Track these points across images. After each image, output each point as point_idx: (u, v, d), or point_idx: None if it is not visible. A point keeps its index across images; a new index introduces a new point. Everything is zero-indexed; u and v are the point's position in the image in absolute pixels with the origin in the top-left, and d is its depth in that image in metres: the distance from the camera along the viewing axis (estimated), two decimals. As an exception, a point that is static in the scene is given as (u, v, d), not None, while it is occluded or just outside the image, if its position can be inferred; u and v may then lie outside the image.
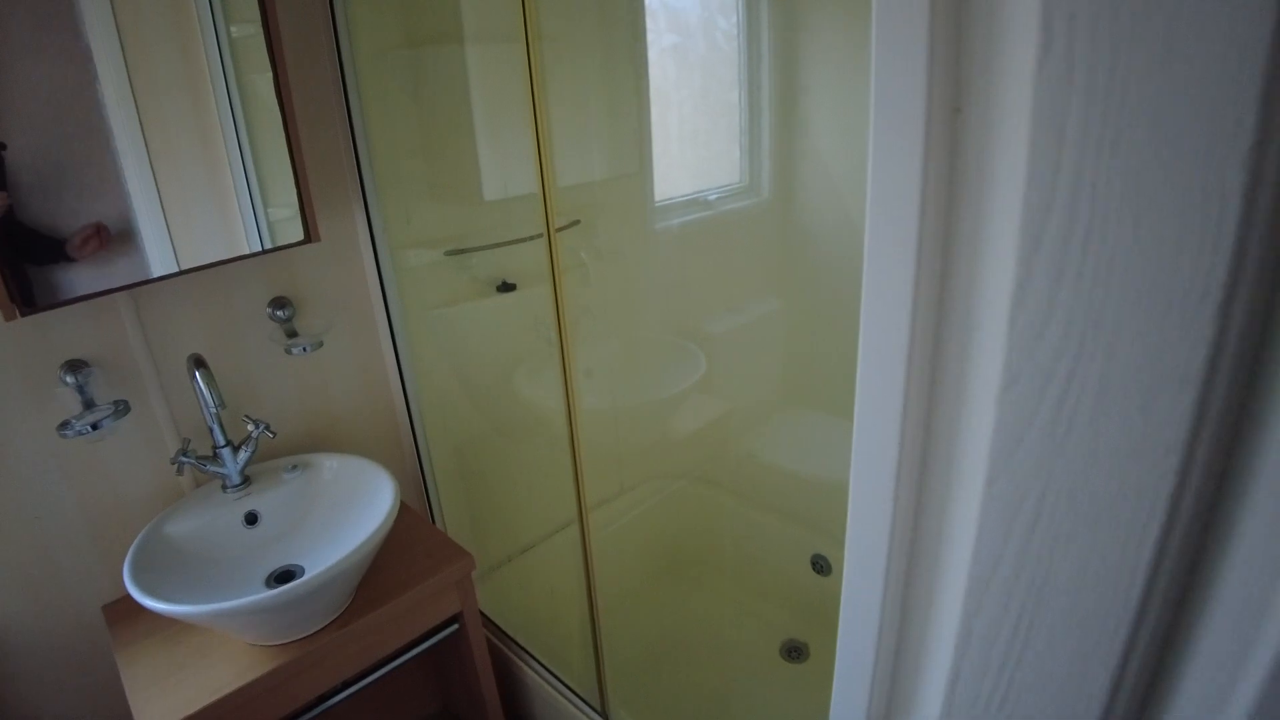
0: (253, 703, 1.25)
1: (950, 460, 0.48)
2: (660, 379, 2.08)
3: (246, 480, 1.43)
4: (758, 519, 2.09)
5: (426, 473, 1.76)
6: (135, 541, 1.30)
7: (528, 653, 1.64)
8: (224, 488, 1.42)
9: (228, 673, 1.23)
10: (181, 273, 1.32)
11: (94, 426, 1.31)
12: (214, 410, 1.33)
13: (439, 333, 1.74)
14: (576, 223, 1.81)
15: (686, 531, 2.21)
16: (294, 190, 1.38)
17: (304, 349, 1.48)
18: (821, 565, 2.02)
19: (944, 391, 0.46)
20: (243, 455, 1.42)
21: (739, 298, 2.20)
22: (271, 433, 1.42)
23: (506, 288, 1.78)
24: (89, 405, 1.32)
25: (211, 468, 1.40)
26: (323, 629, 1.29)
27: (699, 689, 1.85)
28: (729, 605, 2.07)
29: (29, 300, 1.18)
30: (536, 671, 1.62)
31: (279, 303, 1.49)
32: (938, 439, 0.48)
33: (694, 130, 2.09)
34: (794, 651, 1.92)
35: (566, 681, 1.56)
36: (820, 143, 2.09)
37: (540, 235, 1.35)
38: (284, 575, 1.35)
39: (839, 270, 2.05)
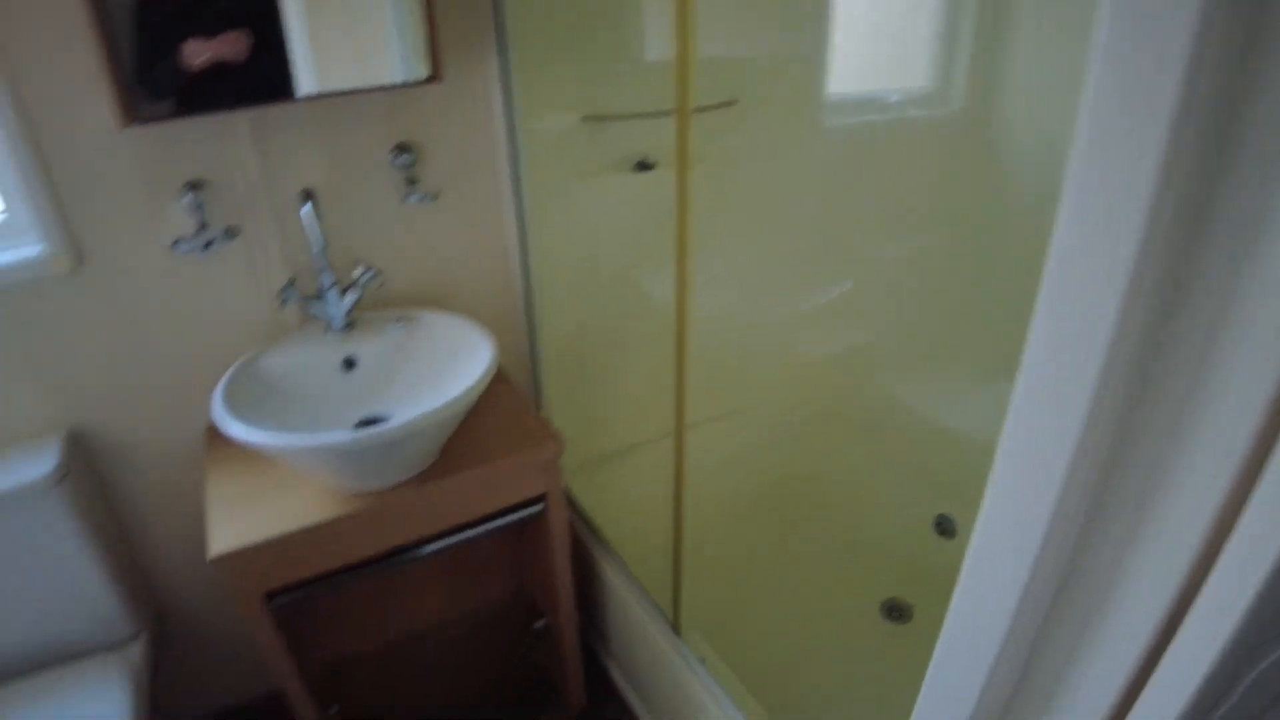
0: (322, 544, 1.23)
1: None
2: (797, 296, 1.90)
3: (349, 325, 1.39)
4: (882, 467, 1.90)
5: (534, 352, 1.68)
6: (231, 369, 1.29)
7: (609, 550, 1.56)
8: (326, 330, 1.39)
9: (302, 511, 1.21)
10: (308, 98, 1.25)
11: (206, 246, 1.30)
12: (320, 247, 1.28)
13: (565, 206, 1.63)
14: (731, 103, 1.63)
15: (798, 466, 2.04)
16: (422, 19, 1.28)
17: (422, 198, 1.41)
18: (946, 526, 1.82)
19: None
20: (348, 299, 1.37)
21: (905, 221, 1.95)
22: (379, 281, 1.37)
23: (644, 167, 1.64)
24: (202, 226, 1.30)
25: (316, 308, 1.37)
26: (402, 484, 1.25)
27: (782, 631, 1.72)
28: (830, 551, 1.91)
29: (147, 109, 1.15)
30: (615, 571, 1.54)
31: (401, 148, 1.42)
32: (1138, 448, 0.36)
33: (883, 18, 1.83)
34: (895, 611, 1.75)
35: (644, 589, 1.47)
36: (1032, 52, 1.78)
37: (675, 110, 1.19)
38: (371, 424, 1.30)
39: (1030, 209, 1.77)
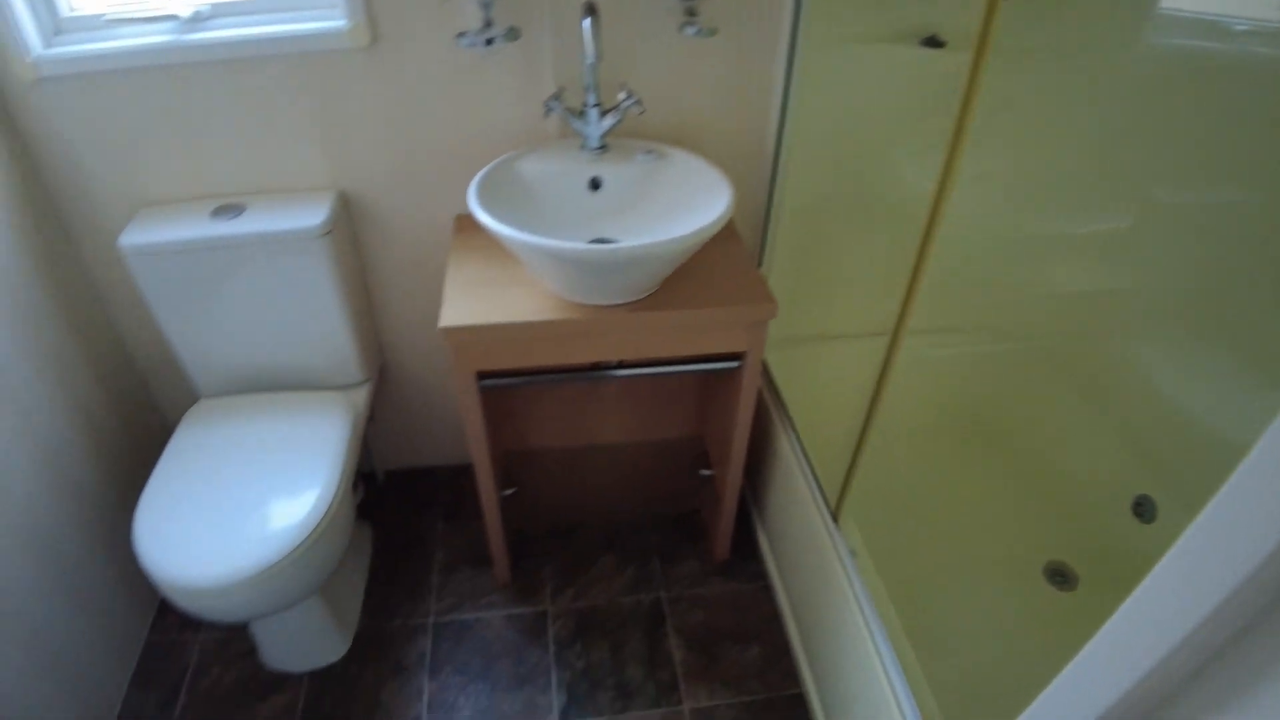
0: (535, 342, 1.32)
1: None
2: (1063, 220, 1.73)
3: (603, 147, 1.43)
4: (1091, 427, 1.75)
5: (768, 213, 1.65)
6: (490, 164, 1.37)
7: (790, 425, 1.58)
8: (581, 147, 1.43)
9: (524, 309, 1.30)
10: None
11: (488, 43, 1.35)
12: (593, 63, 1.30)
13: (837, 70, 1.55)
14: (1049, -10, 1.45)
15: (1000, 401, 1.93)
16: None
17: (698, 32, 1.38)
18: (1145, 509, 1.67)
19: None
20: (607, 121, 1.40)
21: (1211, 170, 1.70)
22: (640, 109, 1.38)
23: (933, 43, 1.52)
24: (488, 24, 1.35)
25: (576, 123, 1.41)
26: (617, 306, 1.30)
27: (936, 560, 1.69)
28: (1008, 498, 1.82)
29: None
30: (790, 445, 1.55)
31: (689, -24, 1.39)
32: None
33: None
34: (1059, 576, 1.66)
35: (815, 471, 1.48)
36: None
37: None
38: (604, 243, 1.36)
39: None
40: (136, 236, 1.41)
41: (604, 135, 1.42)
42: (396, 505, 2.00)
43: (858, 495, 1.39)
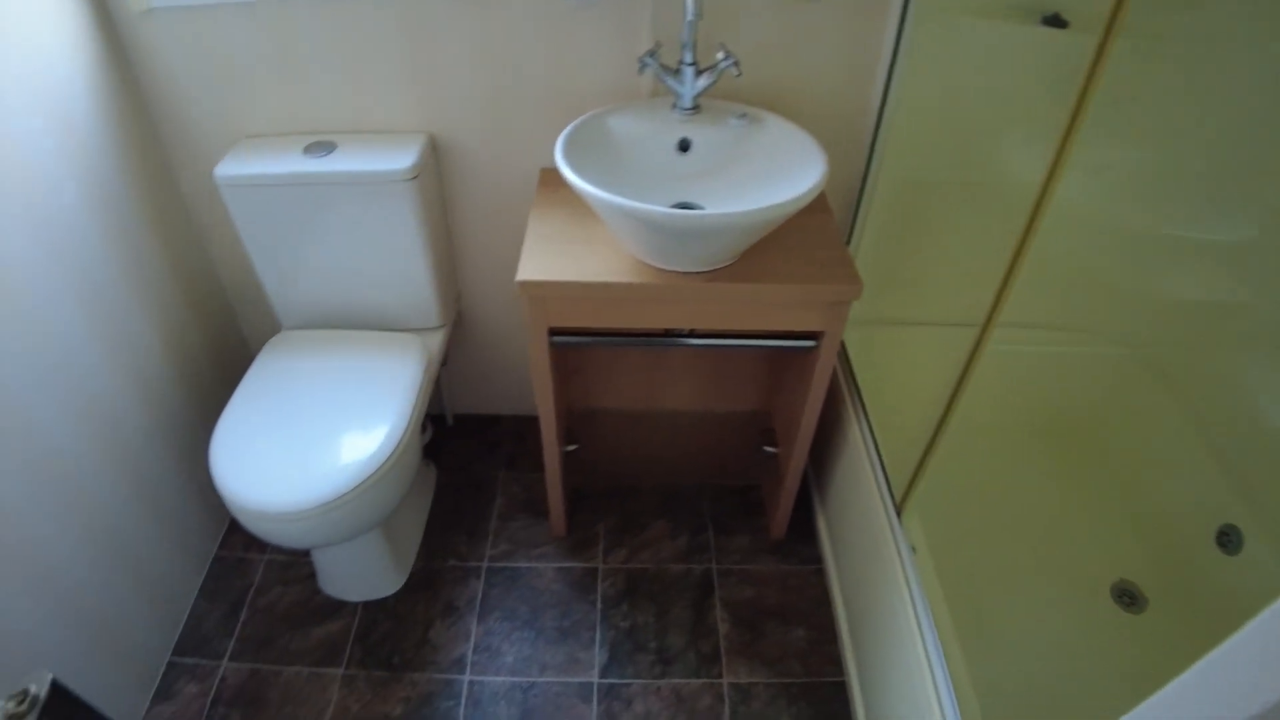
0: (610, 304, 1.31)
1: None
2: (1181, 222, 1.62)
3: (695, 108, 1.39)
4: (1182, 446, 1.65)
5: (862, 189, 1.59)
6: (579, 119, 1.35)
7: (862, 411, 1.53)
8: (672, 106, 1.40)
9: (602, 269, 1.29)
10: None
11: (589, -8, 1.32)
12: (692, 19, 1.26)
13: (948, 43, 1.47)
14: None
15: (1087, 408, 1.84)
16: None
17: (805, -6, 1.33)
18: (1230, 539, 1.57)
19: None
20: (702, 81, 1.36)
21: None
22: (738, 70, 1.33)
23: (1054, 22, 1.43)
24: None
25: (670, 81, 1.37)
26: (696, 274, 1.28)
27: (998, 564, 1.63)
28: (1082, 509, 1.74)
29: None
30: (860, 432, 1.51)
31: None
32: None
33: None
34: (1127, 596, 1.58)
35: (883, 461, 1.45)
36: None
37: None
38: (687, 207, 1.33)
39: None
40: (232, 168, 1.44)
41: (697, 96, 1.38)
42: (462, 449, 2.03)
43: (926, 491, 1.35)
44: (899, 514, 1.37)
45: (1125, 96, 1.43)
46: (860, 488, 1.49)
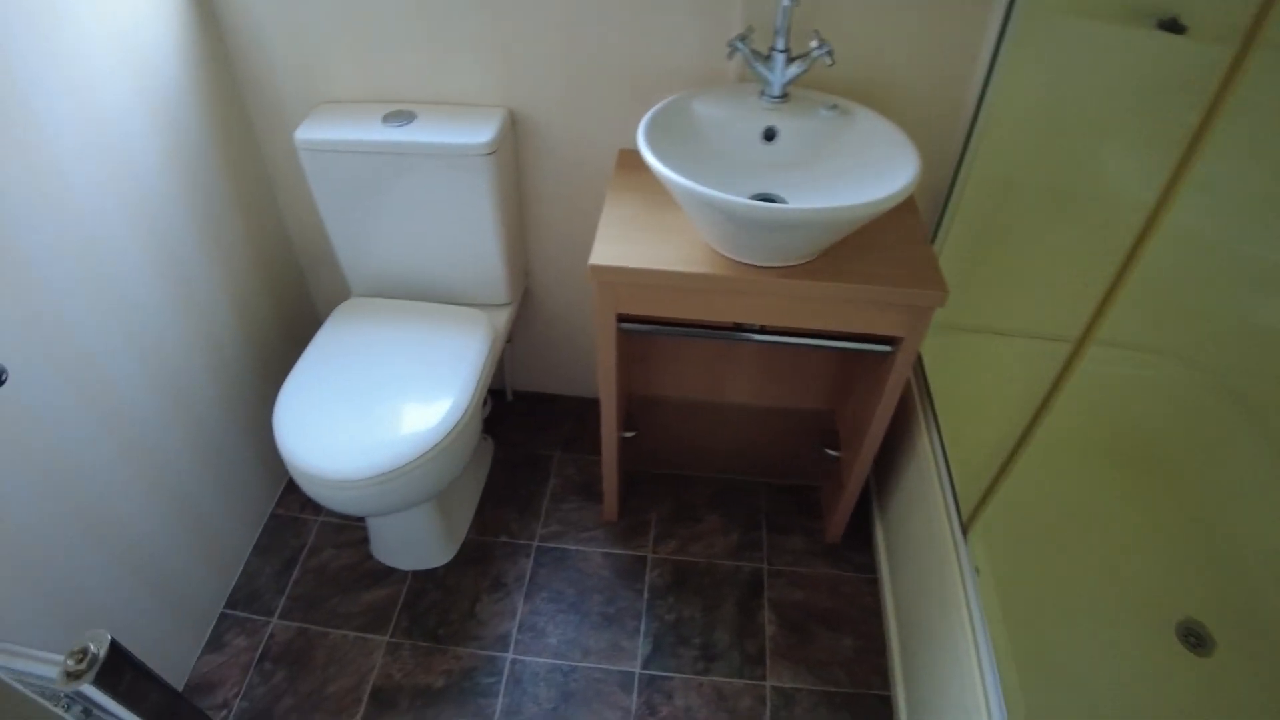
0: (681, 294, 1.28)
1: None
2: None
3: (784, 97, 1.34)
4: (1273, 491, 1.56)
5: (951, 190, 1.53)
6: (664, 101, 1.32)
7: (934, 422, 1.48)
8: (760, 94, 1.35)
9: (676, 258, 1.26)
10: None
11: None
12: (788, 4, 1.22)
13: (1054, 42, 1.39)
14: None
15: (1175, 437, 1.75)
16: None
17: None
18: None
19: None
20: (793, 70, 1.31)
21: None
22: (831, 59, 1.28)
23: (1171, 27, 1.34)
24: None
25: (759, 67, 1.33)
26: (773, 269, 1.24)
27: (1063, 592, 1.56)
28: (1154, 542, 1.65)
29: None
30: (930, 443, 1.46)
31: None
32: None
33: None
34: (1193, 636, 1.50)
35: (952, 476, 1.39)
36: None
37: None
38: (768, 199, 1.29)
39: None
40: (311, 132, 1.44)
41: (787, 84, 1.33)
42: (520, 425, 2.03)
43: (995, 511, 1.30)
44: (965, 534, 1.32)
45: (1250, 109, 1.35)
46: (925, 501, 1.44)
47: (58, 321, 1.15)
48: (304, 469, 1.31)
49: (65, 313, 1.16)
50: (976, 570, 1.29)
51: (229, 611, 1.62)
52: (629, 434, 1.69)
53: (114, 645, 0.64)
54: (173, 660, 1.49)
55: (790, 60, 1.31)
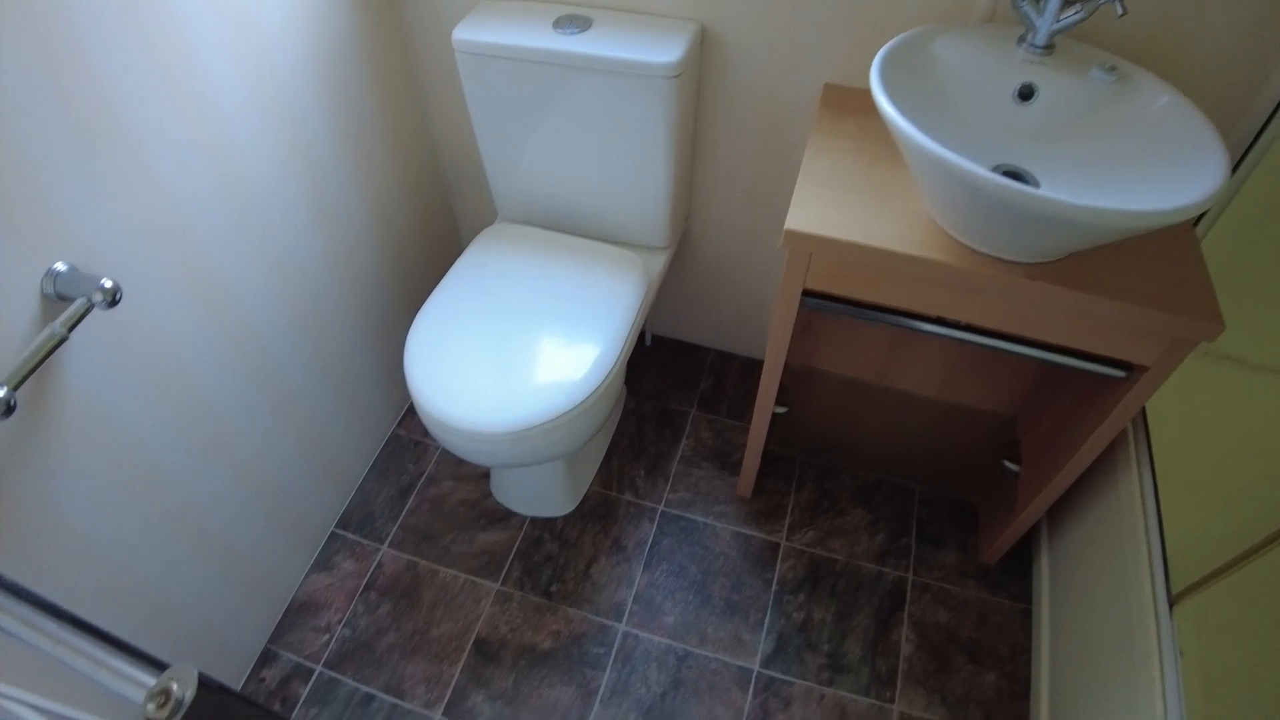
0: (885, 276, 1.08)
1: None
2: None
3: (1049, 49, 1.08)
4: None
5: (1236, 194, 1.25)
6: (901, 36, 1.08)
7: (1149, 460, 1.24)
8: (1019, 41, 1.10)
9: (885, 232, 1.05)
10: None
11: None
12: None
13: None
14: None
15: None
16: None
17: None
18: None
19: None
20: (1066, 18, 1.05)
21: None
22: (1122, 6, 1.01)
23: None
24: None
25: (1025, 6, 1.07)
26: (1002, 261, 1.02)
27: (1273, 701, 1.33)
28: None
29: None
30: (1140, 487, 1.23)
31: None
32: None
33: None
34: None
35: (1163, 534, 1.16)
36: None
37: None
38: (1013, 176, 1.05)
39: None
40: (471, 32, 1.28)
41: (1056, 32, 1.07)
42: (657, 375, 1.88)
43: (1217, 596, 1.07)
44: (1171, 606, 1.10)
45: None
46: (1121, 555, 1.22)
47: (186, 233, 1.05)
48: (434, 414, 1.19)
49: (194, 223, 1.06)
50: (1180, 653, 1.08)
51: (340, 531, 1.57)
52: (780, 409, 1.52)
53: (203, 682, 0.52)
54: (280, 575, 1.45)
55: (1065, 5, 1.04)
